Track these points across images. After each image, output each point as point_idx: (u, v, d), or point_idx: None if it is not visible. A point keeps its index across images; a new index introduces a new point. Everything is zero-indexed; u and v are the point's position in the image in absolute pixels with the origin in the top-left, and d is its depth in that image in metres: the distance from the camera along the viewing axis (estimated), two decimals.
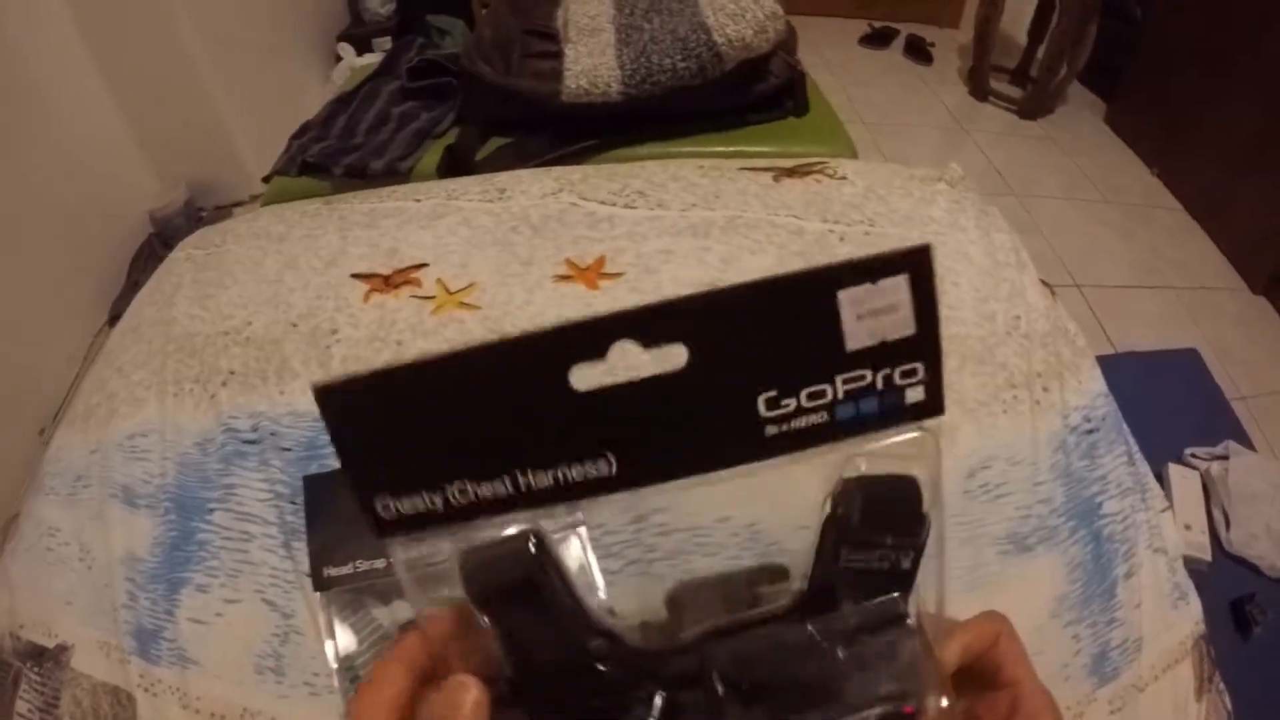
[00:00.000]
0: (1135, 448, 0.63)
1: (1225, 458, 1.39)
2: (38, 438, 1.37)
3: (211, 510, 0.51)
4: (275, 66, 2.00)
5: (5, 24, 1.35)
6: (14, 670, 0.48)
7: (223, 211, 1.84)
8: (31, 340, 1.40)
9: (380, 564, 0.44)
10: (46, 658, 0.48)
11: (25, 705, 0.47)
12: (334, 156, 1.07)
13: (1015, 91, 2.64)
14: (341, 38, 2.27)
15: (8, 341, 1.33)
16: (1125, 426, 0.64)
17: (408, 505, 0.24)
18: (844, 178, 0.75)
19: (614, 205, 0.71)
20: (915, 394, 0.24)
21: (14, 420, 1.34)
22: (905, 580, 0.27)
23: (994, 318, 0.62)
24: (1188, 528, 1.23)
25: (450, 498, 0.24)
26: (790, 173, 0.75)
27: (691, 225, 0.67)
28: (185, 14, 1.57)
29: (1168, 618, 0.54)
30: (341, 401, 0.23)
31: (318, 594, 0.46)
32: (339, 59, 2.21)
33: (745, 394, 0.24)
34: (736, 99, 1.03)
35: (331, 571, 0.44)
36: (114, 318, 1.59)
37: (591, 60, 0.97)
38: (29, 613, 0.50)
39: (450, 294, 0.62)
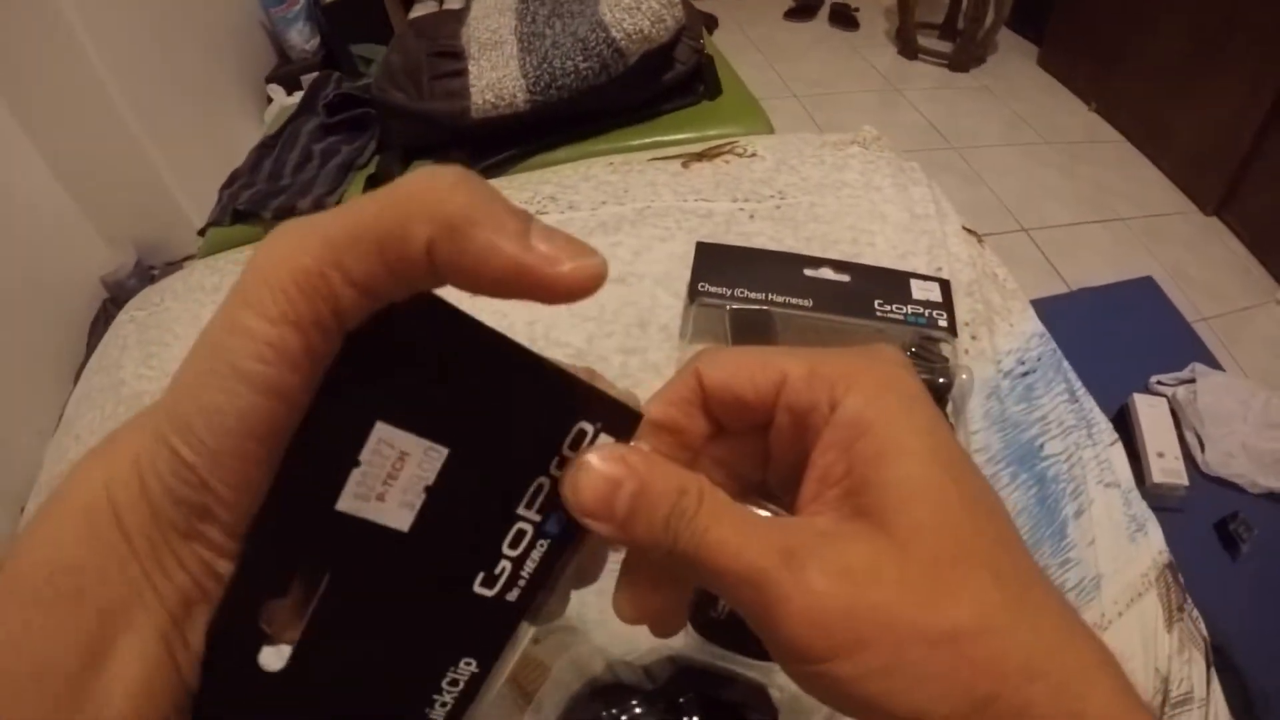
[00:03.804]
0: (1078, 384, 0.62)
1: (1192, 380, 1.39)
2: (19, 516, 1.35)
3: None
4: (208, 117, 1.98)
5: None
6: None
7: (174, 267, 1.82)
8: (1, 421, 1.39)
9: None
10: None
11: None
12: (263, 201, 1.07)
13: (945, 46, 2.63)
14: (271, 79, 2.25)
15: None
16: (1066, 364, 0.63)
17: None
18: (754, 154, 0.74)
19: None
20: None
21: None
22: None
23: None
24: (1160, 455, 1.22)
25: None
26: (699, 157, 0.74)
27: (602, 222, 0.66)
28: (113, 78, 1.55)
29: (1126, 551, 0.53)
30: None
31: None
32: (270, 100, 2.19)
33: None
34: (647, 91, 1.02)
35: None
36: None
37: (496, 73, 0.95)
38: None
39: None
